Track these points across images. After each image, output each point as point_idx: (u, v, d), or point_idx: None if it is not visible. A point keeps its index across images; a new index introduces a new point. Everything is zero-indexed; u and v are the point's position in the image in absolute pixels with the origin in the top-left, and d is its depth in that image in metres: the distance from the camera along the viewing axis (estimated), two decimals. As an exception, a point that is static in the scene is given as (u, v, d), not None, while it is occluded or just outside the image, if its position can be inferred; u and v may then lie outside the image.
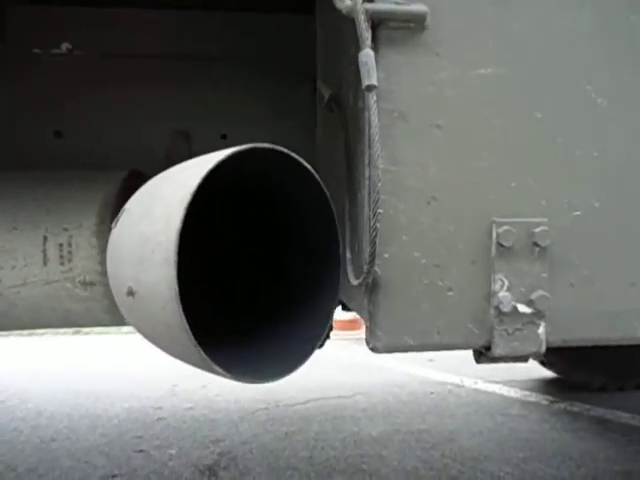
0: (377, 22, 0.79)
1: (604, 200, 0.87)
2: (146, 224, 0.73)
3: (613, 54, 0.88)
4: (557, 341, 0.86)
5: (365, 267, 0.77)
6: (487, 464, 2.26)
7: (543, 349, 0.85)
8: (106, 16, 1.80)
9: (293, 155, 0.78)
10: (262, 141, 1.98)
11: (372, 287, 0.82)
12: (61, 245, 1.31)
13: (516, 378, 3.68)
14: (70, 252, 1.31)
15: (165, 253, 0.67)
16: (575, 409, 3.04)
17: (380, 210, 0.73)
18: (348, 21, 0.79)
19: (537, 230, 0.83)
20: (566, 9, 0.86)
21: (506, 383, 3.60)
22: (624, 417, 2.89)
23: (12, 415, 2.94)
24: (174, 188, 0.71)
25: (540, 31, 0.86)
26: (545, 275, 0.84)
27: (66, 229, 1.32)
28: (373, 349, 0.82)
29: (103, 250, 1.31)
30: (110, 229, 1.34)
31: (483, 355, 0.86)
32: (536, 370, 3.66)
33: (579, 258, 0.87)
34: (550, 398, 3.24)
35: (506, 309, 0.81)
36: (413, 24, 0.79)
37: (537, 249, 0.83)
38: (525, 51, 0.85)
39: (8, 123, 1.76)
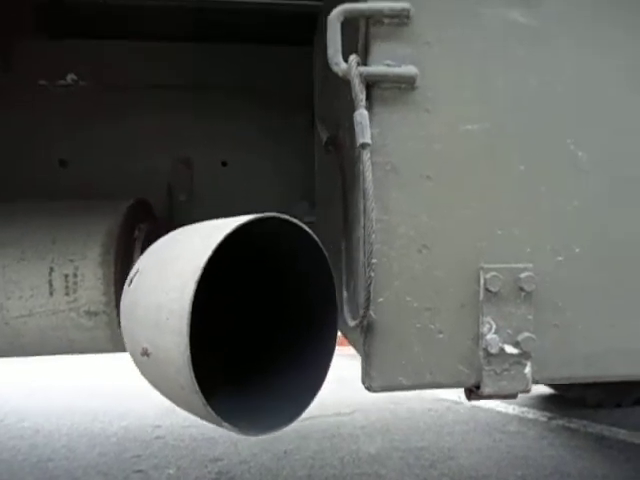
0: (371, 83, 0.84)
1: (584, 246, 0.92)
2: (161, 291, 0.79)
3: (591, 110, 0.93)
4: (543, 380, 0.91)
5: (360, 311, 0.82)
6: (485, 483, 2.29)
7: (530, 388, 0.89)
8: (110, 48, 1.86)
9: (296, 222, 0.83)
10: (261, 168, 2.03)
11: (367, 330, 0.86)
12: (67, 276, 1.34)
13: (514, 394, 3.69)
14: (75, 283, 1.34)
15: (179, 322, 0.73)
16: (573, 426, 3.05)
17: (374, 260, 0.78)
18: None
19: (522, 275, 0.88)
20: (546, 69, 0.92)
21: (504, 399, 3.60)
22: (621, 434, 2.90)
23: (9, 434, 2.94)
24: (186, 260, 0.76)
25: (522, 89, 0.91)
26: (530, 317, 0.89)
27: (72, 260, 1.35)
28: (368, 388, 0.87)
29: (107, 281, 1.35)
30: (114, 259, 1.39)
31: (473, 393, 0.90)
32: (534, 386, 3.67)
33: (562, 301, 0.92)
34: (548, 414, 3.25)
35: (494, 350, 0.86)
36: (404, 85, 0.85)
37: (523, 293, 0.88)
38: (509, 108, 0.91)
39: (16, 152, 1.81)
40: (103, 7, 1.86)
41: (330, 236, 1.26)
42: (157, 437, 2.89)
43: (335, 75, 0.83)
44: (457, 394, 3.74)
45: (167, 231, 1.69)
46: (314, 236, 0.86)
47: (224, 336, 1.15)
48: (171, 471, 2.43)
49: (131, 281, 0.90)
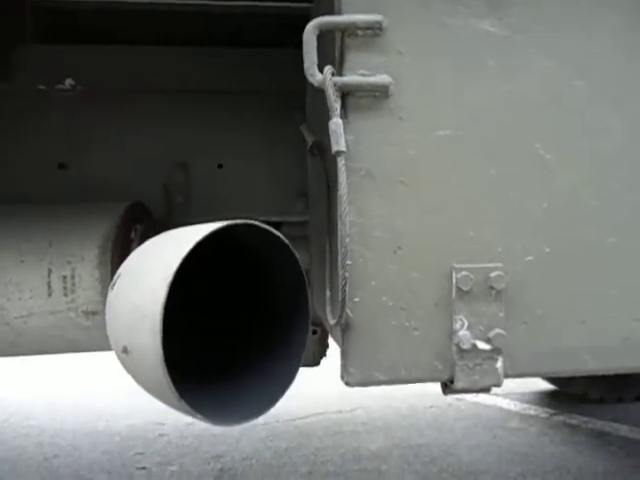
0: (346, 92, 0.88)
1: (554, 246, 0.96)
2: (136, 295, 0.84)
3: (557, 114, 0.97)
4: (514, 374, 0.94)
5: (338, 310, 0.86)
6: (485, 479, 2.31)
7: (501, 382, 0.93)
8: (108, 53, 1.90)
9: (267, 228, 0.89)
10: (257, 170, 2.07)
11: (345, 328, 0.91)
12: (65, 277, 1.39)
13: (515, 390, 3.70)
14: (73, 284, 1.38)
15: (151, 324, 0.78)
16: (574, 422, 3.05)
17: (349, 262, 0.83)
18: None
19: (493, 275, 0.92)
20: (515, 76, 0.95)
21: (506, 396, 3.60)
22: (623, 429, 2.89)
23: (16, 432, 2.98)
24: (161, 265, 0.82)
25: (492, 96, 0.95)
26: (502, 315, 0.93)
27: (69, 262, 1.39)
28: (347, 383, 0.91)
29: (104, 281, 1.39)
30: (111, 260, 1.43)
31: (448, 387, 0.94)
32: (535, 382, 3.67)
33: (533, 299, 0.95)
34: (549, 410, 3.25)
35: (466, 346, 0.90)
36: (378, 93, 0.89)
37: (493, 291, 0.92)
38: (479, 114, 0.94)
39: (16, 155, 1.86)
40: (102, 12, 1.90)
41: (318, 233, 1.30)
42: (160, 435, 2.93)
43: None
44: (459, 391, 3.75)
45: (164, 232, 1.74)
46: (285, 240, 0.90)
47: (201, 326, 1.21)
48: (174, 468, 2.47)
49: (114, 284, 0.96)
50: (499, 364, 0.91)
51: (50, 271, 1.38)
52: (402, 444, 2.74)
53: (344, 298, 0.83)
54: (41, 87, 1.87)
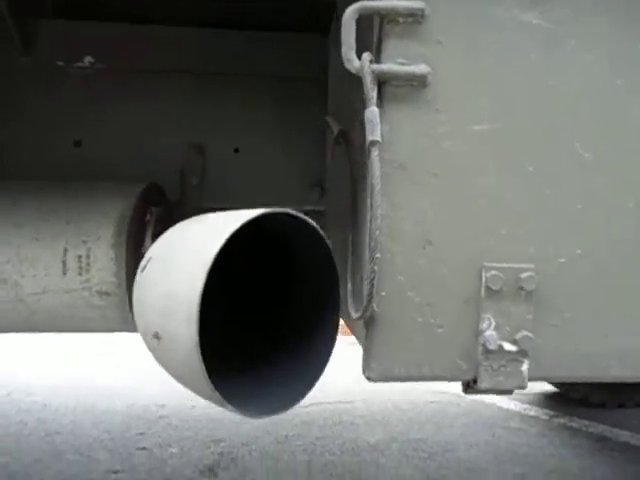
0: (382, 80, 0.86)
1: (587, 248, 0.93)
2: (171, 281, 0.82)
3: (599, 112, 0.94)
4: (539, 378, 0.93)
5: (364, 304, 0.84)
6: (483, 477, 2.30)
7: (526, 385, 0.91)
8: (127, 32, 1.88)
9: (306, 219, 0.88)
10: (273, 156, 2.05)
11: (369, 322, 0.89)
12: (80, 257, 1.37)
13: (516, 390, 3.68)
14: (88, 263, 1.37)
15: (188, 312, 0.76)
16: (574, 425, 3.04)
17: (378, 255, 0.81)
18: None
19: (523, 275, 0.90)
20: (556, 71, 0.92)
21: (500, 394, 3.58)
22: (623, 435, 2.88)
23: (17, 407, 3.00)
24: (197, 250, 0.79)
25: (532, 91, 0.92)
26: (530, 317, 0.91)
27: (85, 241, 1.38)
28: (368, 378, 0.89)
29: (119, 262, 1.38)
30: (126, 241, 1.42)
31: (470, 387, 0.93)
32: (536, 383, 3.63)
33: (562, 302, 0.93)
34: (550, 412, 3.25)
35: (492, 347, 0.88)
36: (415, 83, 0.86)
37: (523, 292, 0.90)
38: (518, 109, 0.92)
39: (32, 131, 1.84)
40: None
41: (338, 225, 1.28)
42: (161, 416, 2.94)
43: None
44: (459, 388, 3.74)
45: (178, 215, 1.73)
46: (321, 232, 0.88)
47: (232, 317, 1.19)
48: (174, 450, 2.48)
49: (144, 267, 0.94)
50: (524, 366, 0.90)
51: (66, 250, 1.37)
52: (401, 438, 2.74)
53: (371, 292, 0.81)
54: (60, 64, 1.85)
